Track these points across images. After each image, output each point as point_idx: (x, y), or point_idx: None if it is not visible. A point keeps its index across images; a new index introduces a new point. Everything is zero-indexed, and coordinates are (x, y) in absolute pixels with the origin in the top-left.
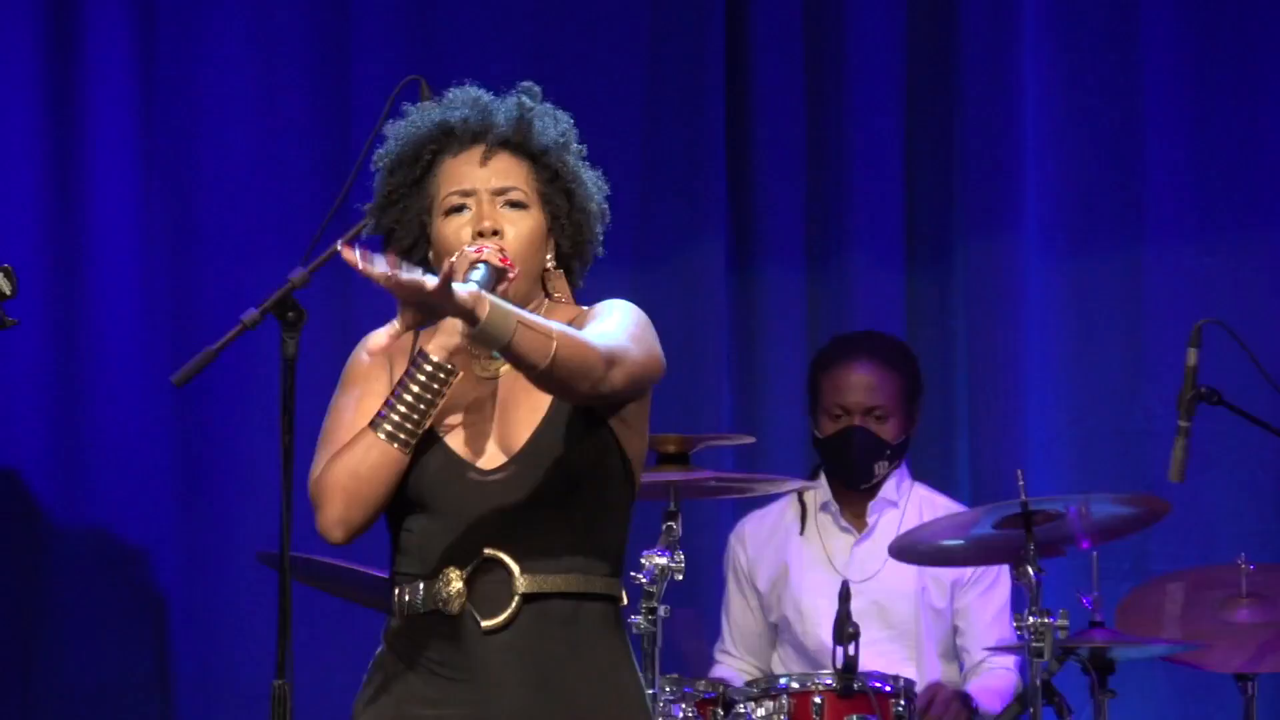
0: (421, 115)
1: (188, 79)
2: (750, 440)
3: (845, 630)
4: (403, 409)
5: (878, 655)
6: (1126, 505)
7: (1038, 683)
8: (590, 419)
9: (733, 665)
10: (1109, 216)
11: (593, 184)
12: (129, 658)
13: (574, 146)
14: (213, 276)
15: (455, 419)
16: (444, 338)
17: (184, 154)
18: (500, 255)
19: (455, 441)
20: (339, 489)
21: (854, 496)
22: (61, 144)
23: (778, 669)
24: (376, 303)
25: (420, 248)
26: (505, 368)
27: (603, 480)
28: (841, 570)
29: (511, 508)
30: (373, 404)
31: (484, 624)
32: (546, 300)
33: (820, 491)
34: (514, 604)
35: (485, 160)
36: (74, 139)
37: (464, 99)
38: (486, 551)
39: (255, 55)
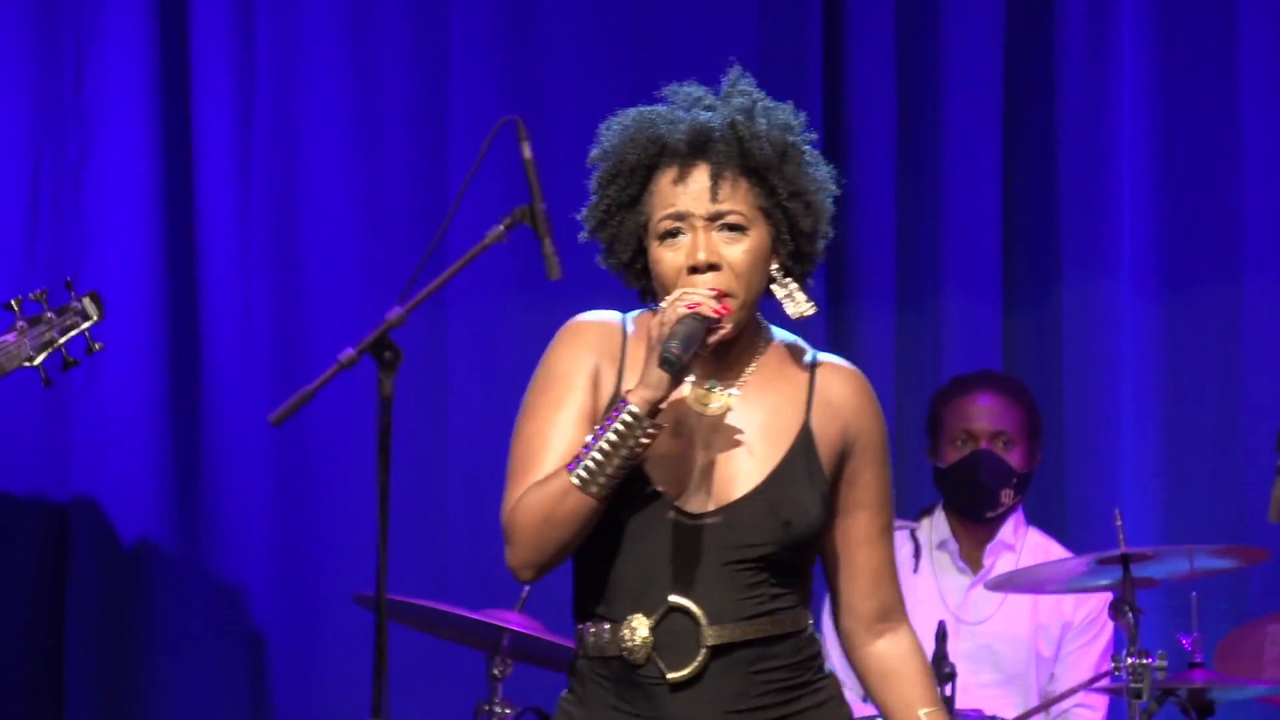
0: (639, 124)
1: (287, 120)
2: None
3: (942, 670)
4: (599, 457)
5: (987, 699)
6: (1224, 557)
7: None
8: (810, 482)
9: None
10: (1207, 255)
11: (817, 187)
12: (226, 696)
13: (795, 150)
14: (311, 315)
15: (667, 453)
16: (648, 390)
17: (283, 194)
18: (715, 303)
19: (662, 479)
20: (532, 532)
21: (974, 536)
22: (171, 185)
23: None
24: (471, 344)
25: (640, 260)
26: (730, 407)
27: (811, 540)
28: (954, 611)
29: (710, 559)
30: (574, 415)
31: (670, 676)
32: (764, 341)
33: (938, 529)
34: (701, 656)
35: (700, 180)
36: (181, 179)
37: (682, 104)
38: (673, 600)
39: (354, 95)
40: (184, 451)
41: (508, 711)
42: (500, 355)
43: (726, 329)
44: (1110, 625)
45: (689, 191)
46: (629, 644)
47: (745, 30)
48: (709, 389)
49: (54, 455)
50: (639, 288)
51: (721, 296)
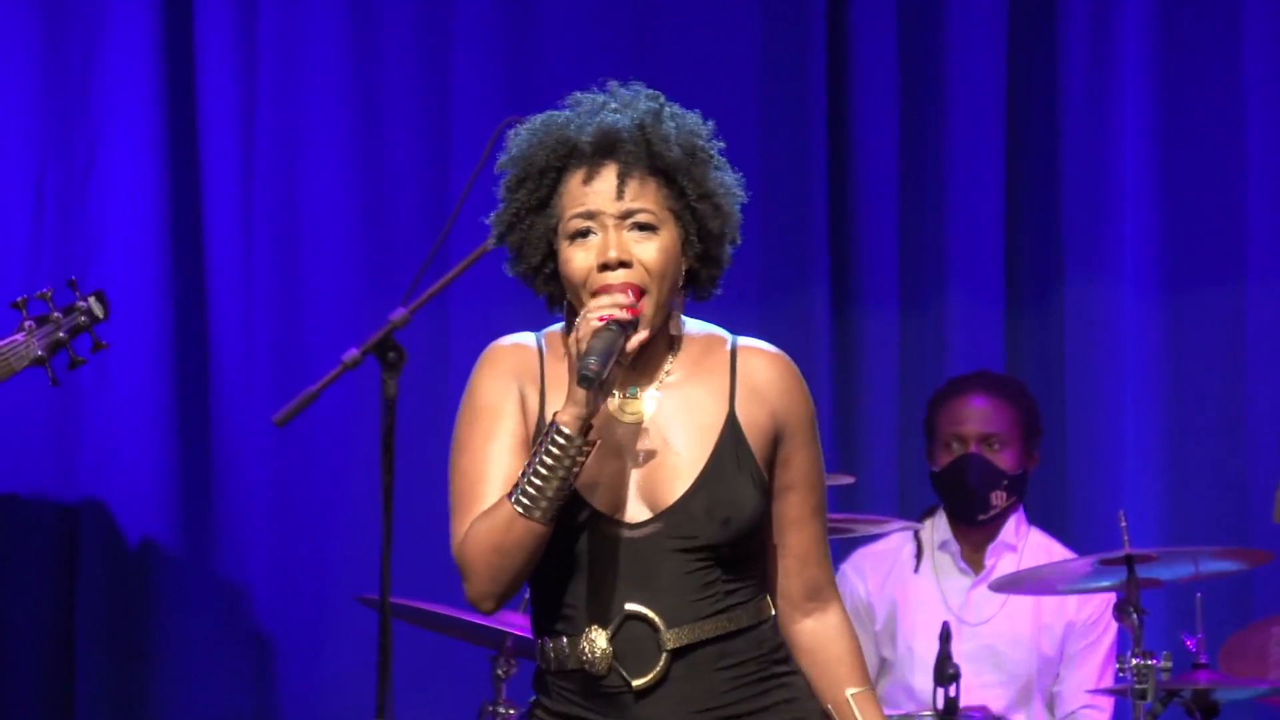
0: (546, 128)
1: (291, 122)
2: (850, 480)
3: (945, 671)
4: (538, 482)
5: (990, 700)
6: (1228, 559)
7: None
8: (744, 472)
9: None
10: (1210, 256)
11: (725, 191)
12: (232, 697)
13: (703, 154)
14: (315, 316)
15: (594, 468)
16: (576, 408)
17: (287, 195)
18: (627, 304)
19: (596, 494)
20: (484, 564)
21: (974, 537)
22: (177, 187)
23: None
24: (474, 345)
25: (549, 264)
26: (650, 411)
27: (753, 531)
28: (956, 612)
29: (658, 563)
30: (506, 442)
31: (635, 683)
32: (679, 340)
33: (939, 531)
34: (662, 661)
35: (609, 180)
36: (187, 181)
37: (588, 109)
38: (629, 608)
39: (357, 97)
40: (190, 453)
41: (512, 712)
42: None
43: (643, 333)
44: (1115, 624)
45: (598, 191)
46: (589, 656)
47: (747, 31)
48: (630, 395)
49: (62, 457)
50: (546, 294)
51: (635, 294)
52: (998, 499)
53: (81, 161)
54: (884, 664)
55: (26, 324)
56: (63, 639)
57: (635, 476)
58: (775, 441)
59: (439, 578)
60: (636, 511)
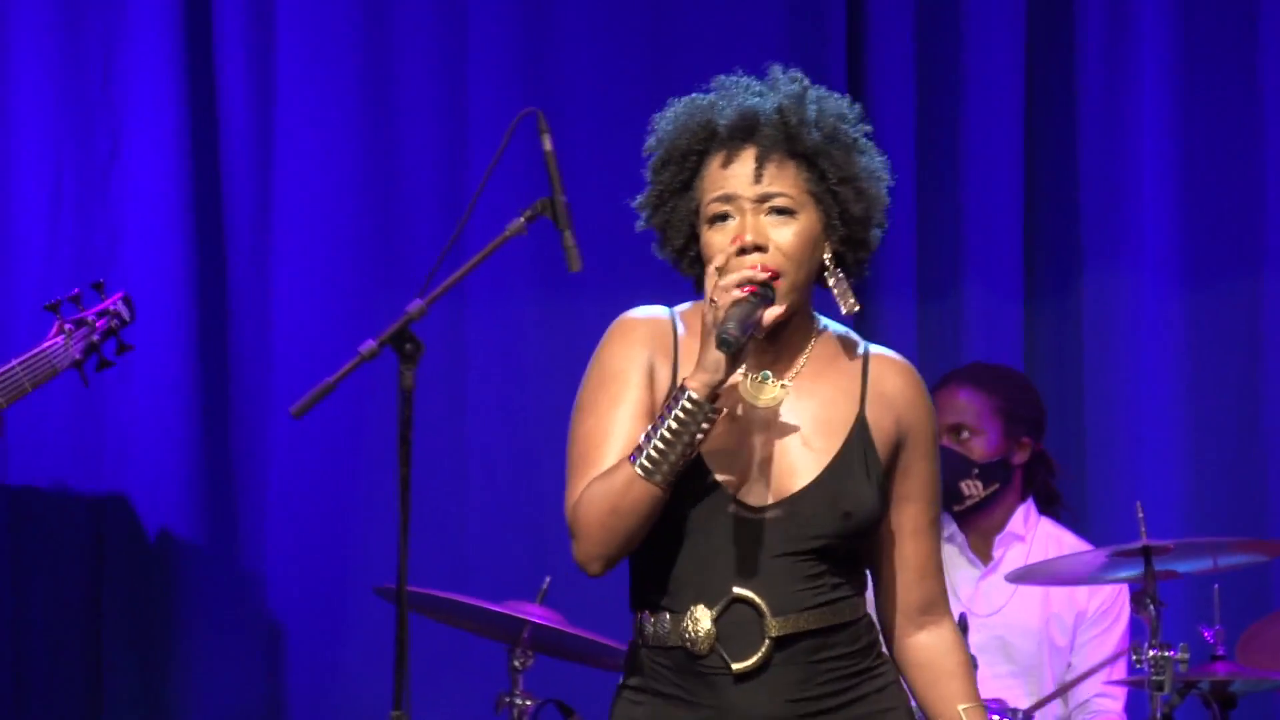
0: (688, 111)
1: (305, 112)
2: None
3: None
4: (661, 445)
5: (999, 690)
6: (1246, 551)
7: (1159, 716)
8: (866, 473)
9: None
10: (1228, 248)
11: (869, 174)
12: (252, 687)
13: (845, 136)
14: (333, 308)
15: (725, 446)
16: (706, 374)
17: (306, 188)
18: (761, 284)
19: (722, 471)
20: (597, 525)
21: (975, 528)
22: (198, 180)
23: None
24: (491, 336)
25: (692, 247)
26: (786, 399)
27: (869, 530)
28: (966, 603)
29: (772, 550)
30: (631, 410)
31: (735, 666)
32: (817, 330)
33: (946, 524)
34: (765, 647)
35: (749, 164)
36: (208, 174)
37: (730, 93)
38: (736, 591)
39: (372, 89)
40: (211, 445)
41: (529, 703)
42: (520, 348)
43: (779, 308)
44: (1126, 612)
45: (736, 174)
46: (691, 635)
47: (766, 25)
48: (762, 380)
49: (85, 450)
50: (693, 276)
51: (773, 278)
52: (970, 488)
53: (103, 156)
54: None
55: (66, 326)
56: (88, 631)
57: (761, 461)
58: (897, 448)
59: (456, 569)
60: (759, 495)
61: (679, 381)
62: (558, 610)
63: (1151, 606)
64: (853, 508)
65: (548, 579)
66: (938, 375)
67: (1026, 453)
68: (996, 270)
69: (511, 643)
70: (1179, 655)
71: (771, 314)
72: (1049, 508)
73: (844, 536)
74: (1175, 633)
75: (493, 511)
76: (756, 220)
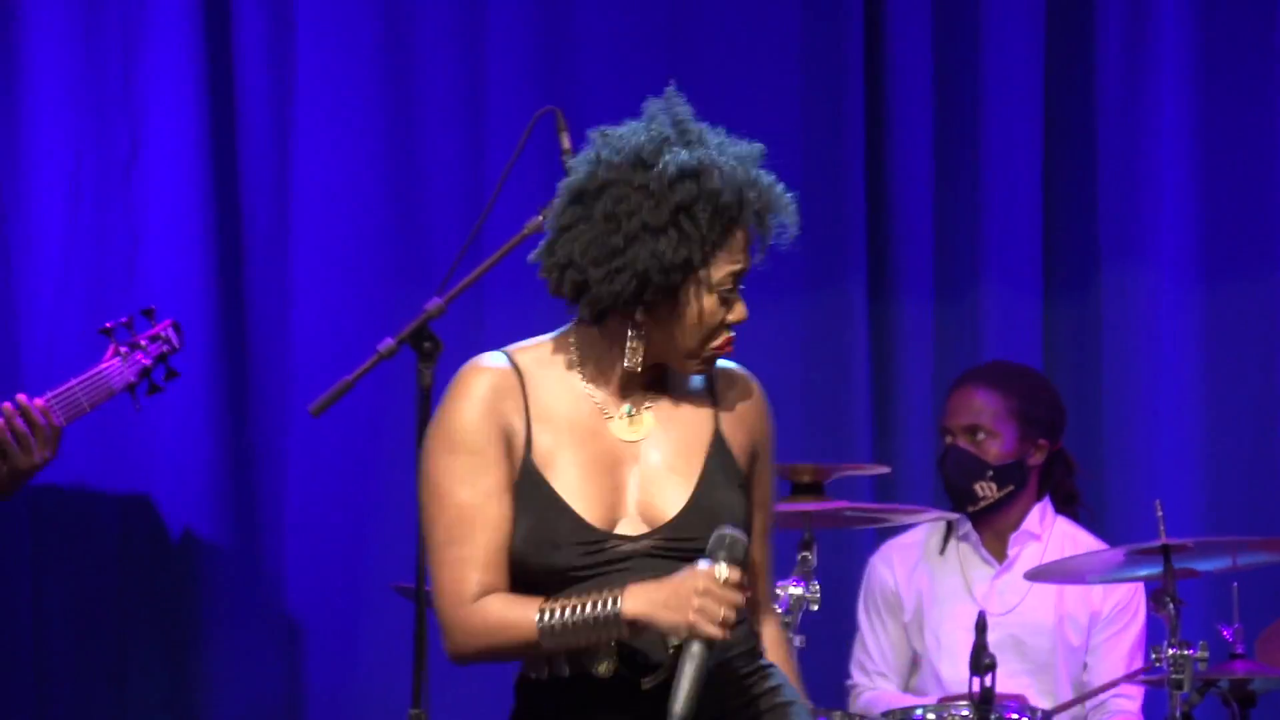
0: (733, 175)
1: (324, 110)
2: (885, 470)
3: (981, 661)
4: (571, 626)
5: (1015, 688)
6: (1265, 550)
7: (1178, 715)
8: (733, 485)
9: (884, 685)
10: (1248, 245)
11: None
12: (273, 685)
13: None
14: (348, 305)
15: (591, 483)
16: (645, 608)
17: (325, 187)
18: (735, 613)
19: (590, 509)
20: (474, 648)
21: (992, 527)
22: (218, 179)
23: (915, 698)
24: (508, 335)
25: (648, 296)
26: (649, 430)
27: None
28: (980, 602)
29: (658, 572)
30: (493, 485)
31: (644, 682)
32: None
33: (961, 522)
34: (668, 658)
35: (750, 244)
36: (227, 173)
37: (742, 163)
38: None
39: (391, 87)
40: (231, 444)
41: None
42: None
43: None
44: (1142, 612)
45: (746, 254)
46: (589, 660)
47: (785, 25)
48: (626, 414)
49: (107, 449)
50: (601, 294)
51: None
52: (985, 490)
53: (123, 156)
54: (915, 655)
55: (121, 349)
56: (111, 629)
57: (632, 493)
58: (752, 459)
59: None
60: (634, 526)
61: (537, 445)
62: None
63: (1170, 605)
64: (726, 518)
65: None
66: (955, 374)
67: (1043, 455)
68: (1015, 268)
69: None
70: (1198, 654)
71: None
72: (1067, 507)
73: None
74: (1194, 631)
75: None
76: (739, 301)
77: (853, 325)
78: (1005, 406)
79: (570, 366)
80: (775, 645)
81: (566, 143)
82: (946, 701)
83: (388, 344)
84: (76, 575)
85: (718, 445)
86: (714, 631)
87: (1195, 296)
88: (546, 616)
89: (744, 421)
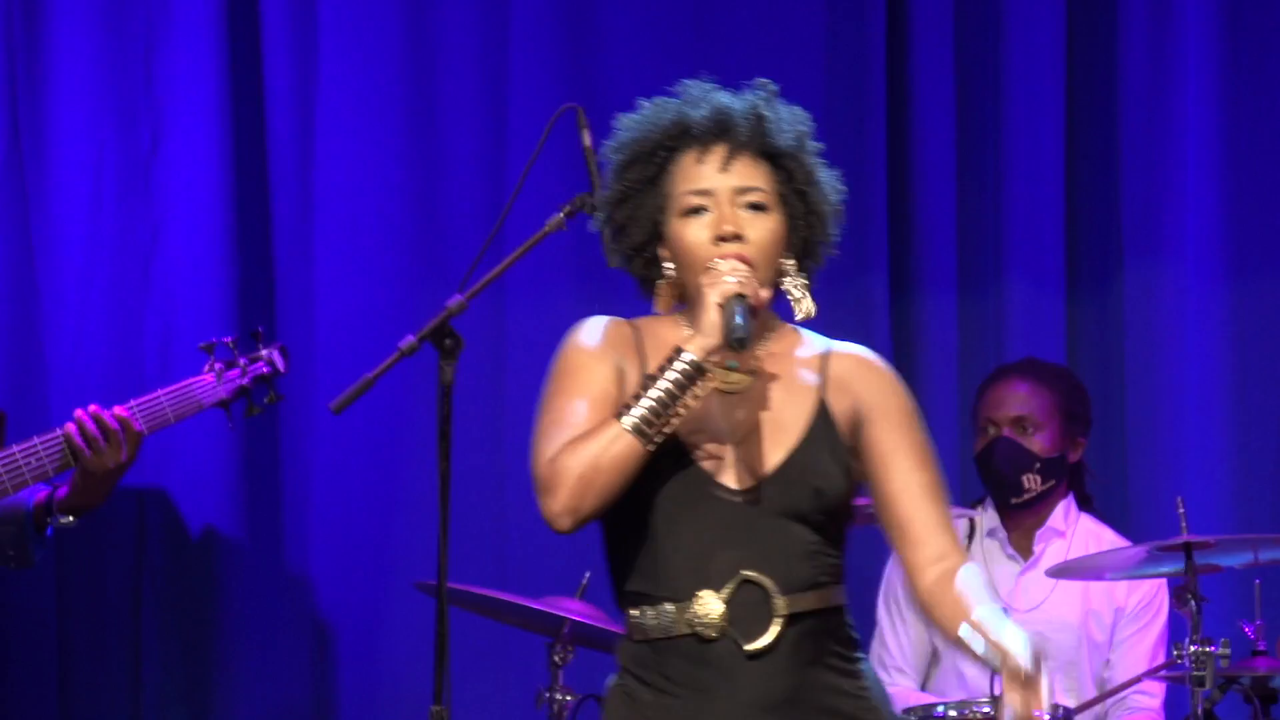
0: (657, 111)
1: (347, 107)
2: None
3: None
4: (653, 404)
5: None
6: None
7: (1199, 712)
8: (838, 445)
9: (904, 682)
10: (1273, 240)
11: (829, 185)
12: (292, 682)
13: (810, 146)
14: (371, 301)
15: (696, 433)
16: (704, 339)
17: (348, 184)
18: (750, 276)
19: (699, 456)
20: (574, 476)
21: (1020, 523)
22: (241, 174)
23: (936, 696)
24: (529, 331)
25: (651, 245)
26: (750, 382)
27: (841, 508)
28: (1006, 598)
29: (764, 530)
30: (599, 395)
31: (747, 647)
32: (774, 326)
33: (987, 518)
34: (775, 626)
35: (725, 161)
36: (252, 168)
37: (700, 95)
38: (744, 573)
39: (413, 84)
40: (252, 440)
41: (569, 699)
42: (558, 343)
43: (765, 293)
44: (1165, 609)
45: (712, 169)
46: (702, 620)
47: (808, 20)
48: (730, 367)
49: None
50: (645, 276)
51: (746, 265)
52: (1031, 482)
53: (144, 151)
54: (935, 652)
55: (216, 366)
56: (130, 626)
57: (734, 446)
58: (857, 426)
59: (496, 564)
60: (737, 478)
61: (670, 357)
62: (598, 606)
63: (1192, 602)
64: (823, 485)
65: (588, 574)
66: (979, 370)
67: (1079, 452)
68: (1039, 265)
69: (552, 638)
70: (1220, 650)
71: (764, 296)
72: (1082, 508)
73: (821, 512)
74: (1216, 628)
75: (532, 507)
76: (733, 211)
77: (875, 320)
78: (1051, 401)
79: (677, 327)
80: (957, 581)
81: (587, 140)
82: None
83: (409, 341)
84: (97, 573)
85: (821, 412)
86: (734, 287)
87: (1219, 292)
88: (626, 410)
89: (849, 391)
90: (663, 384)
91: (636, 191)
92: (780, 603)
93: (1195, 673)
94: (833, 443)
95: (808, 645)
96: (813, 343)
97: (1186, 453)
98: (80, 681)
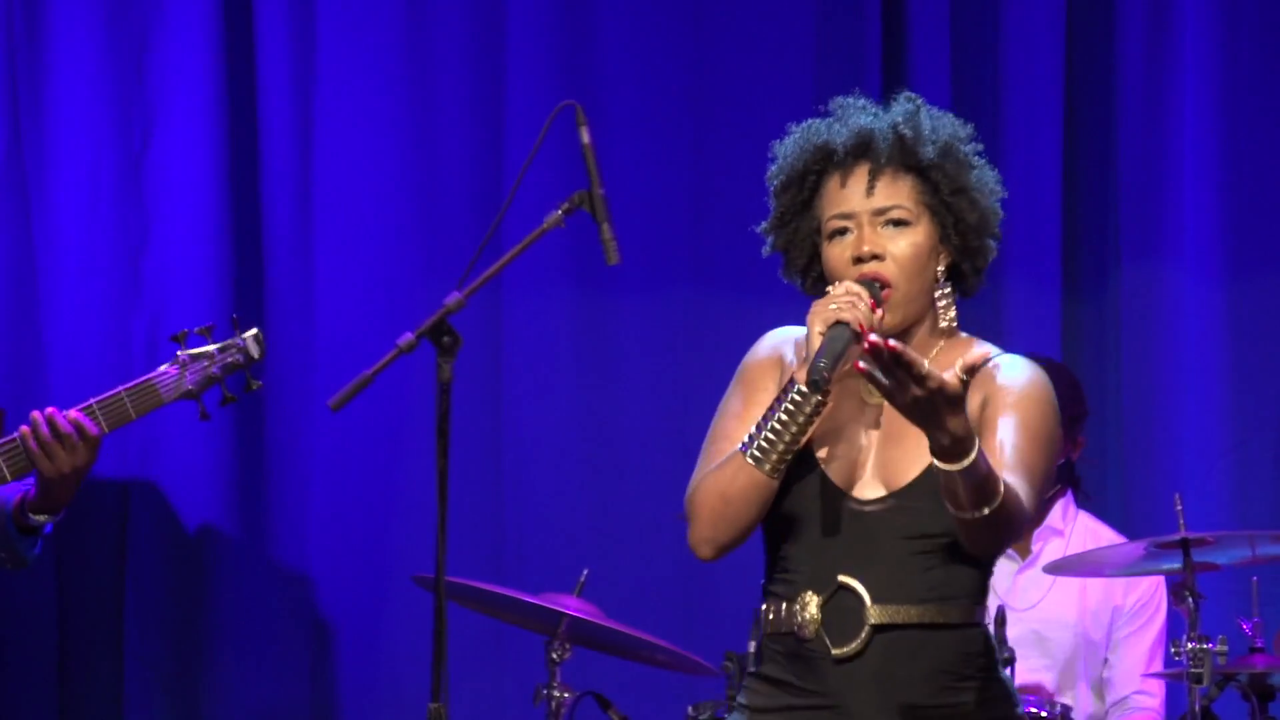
0: (806, 135)
1: (344, 104)
2: None
3: (1000, 655)
4: (770, 435)
5: (1035, 684)
6: None
7: (1197, 709)
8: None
9: None
10: (1269, 239)
11: (982, 187)
12: (286, 678)
13: (958, 151)
14: (370, 301)
15: (834, 443)
16: (806, 358)
17: (344, 181)
18: (864, 306)
19: (832, 467)
20: (707, 509)
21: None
22: (234, 172)
23: None
24: (527, 329)
25: (815, 267)
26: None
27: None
28: (1003, 597)
29: (882, 541)
30: (757, 414)
31: (835, 651)
32: (940, 339)
33: None
34: (864, 634)
35: (866, 180)
36: (245, 166)
37: (846, 114)
38: (841, 579)
39: (409, 81)
40: (245, 436)
41: (566, 695)
42: (557, 340)
43: (881, 317)
44: (1164, 609)
45: (852, 191)
46: (800, 619)
47: (802, 20)
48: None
49: (115, 439)
50: (815, 295)
51: (882, 286)
52: None
53: (137, 146)
54: None
55: (182, 357)
56: (115, 621)
57: (872, 455)
58: (982, 407)
59: (493, 562)
60: (869, 488)
61: (783, 390)
62: (595, 603)
63: (1190, 599)
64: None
65: (585, 571)
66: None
67: (1079, 450)
68: (1036, 264)
69: (549, 635)
70: (1217, 648)
71: (870, 339)
72: (1080, 505)
73: (946, 532)
74: (1214, 625)
75: (530, 504)
76: (873, 233)
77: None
78: None
79: None
80: None
81: (586, 137)
82: None
83: (407, 338)
84: (90, 569)
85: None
86: (848, 315)
87: (1215, 292)
88: (748, 442)
89: (981, 390)
90: (778, 414)
91: (792, 217)
92: (872, 611)
93: (1193, 670)
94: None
95: (903, 659)
96: (979, 356)
97: (1183, 450)
98: (78, 679)
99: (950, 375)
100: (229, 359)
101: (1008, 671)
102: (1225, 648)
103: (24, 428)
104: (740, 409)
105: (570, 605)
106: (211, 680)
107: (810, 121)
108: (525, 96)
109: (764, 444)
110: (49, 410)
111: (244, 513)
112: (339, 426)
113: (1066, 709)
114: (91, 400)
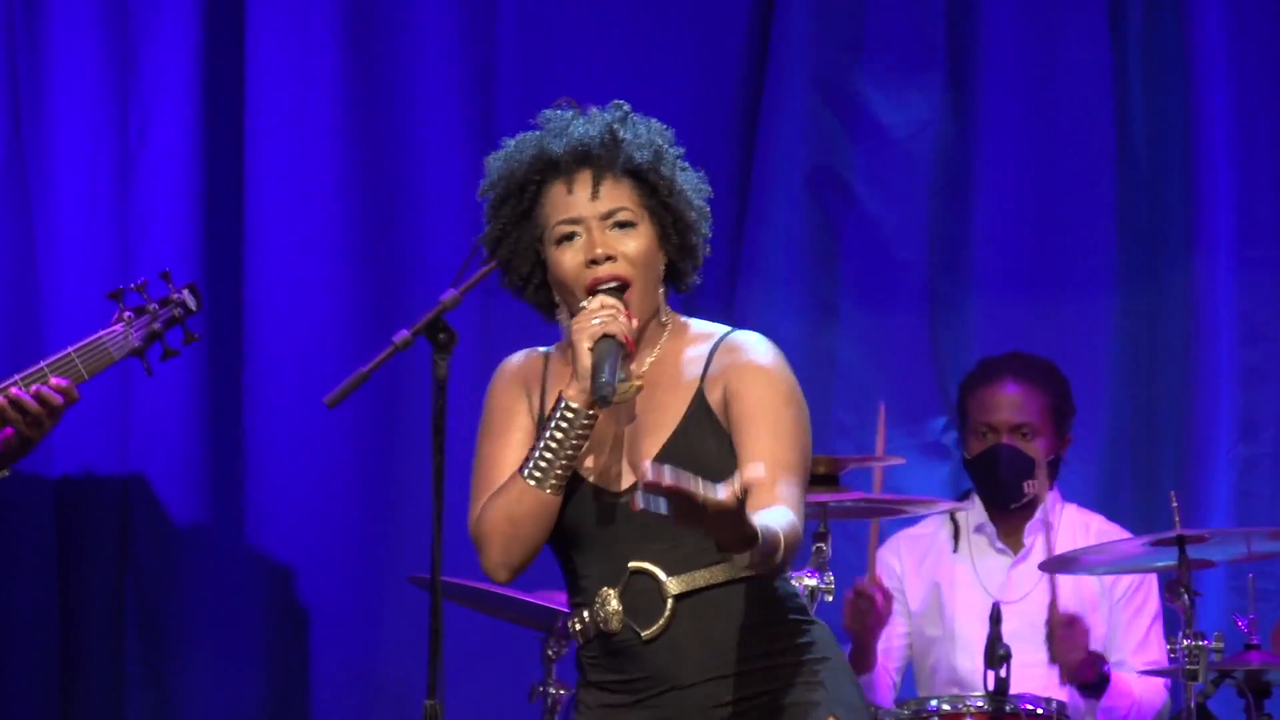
0: (520, 147)
1: (332, 99)
2: (901, 461)
3: (996, 653)
4: (549, 455)
5: (1031, 678)
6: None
7: (1192, 705)
8: (714, 429)
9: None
10: (1268, 238)
11: (692, 188)
12: (281, 676)
13: (669, 154)
14: (359, 298)
15: (591, 449)
16: (581, 385)
17: (328, 179)
18: (622, 318)
19: (588, 470)
20: (497, 534)
21: (1010, 518)
22: (222, 168)
23: (928, 691)
24: (517, 324)
25: (537, 274)
26: (636, 389)
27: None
28: (995, 592)
29: (650, 521)
30: (518, 437)
31: (644, 634)
32: (666, 329)
33: (974, 513)
34: (668, 608)
35: (588, 186)
36: (231, 162)
37: (557, 126)
38: (632, 565)
39: (399, 77)
40: (236, 432)
41: (562, 693)
42: (550, 336)
43: (634, 322)
44: (1155, 590)
45: (579, 197)
46: (603, 617)
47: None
48: (620, 379)
49: (111, 435)
50: (535, 303)
51: (623, 287)
52: (1030, 487)
53: (132, 142)
54: (929, 643)
55: (126, 315)
56: (110, 616)
57: (622, 449)
58: (726, 401)
59: None
60: (626, 479)
61: (553, 408)
62: None
63: (1185, 596)
64: (695, 468)
65: None
66: (955, 373)
67: (1067, 447)
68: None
69: (545, 632)
70: (1213, 644)
71: (629, 338)
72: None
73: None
74: (1210, 622)
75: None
76: (603, 235)
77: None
78: (1045, 404)
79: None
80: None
81: None
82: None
83: (403, 335)
84: (82, 564)
85: (697, 401)
86: (614, 328)
87: (1220, 288)
88: (525, 464)
89: (723, 374)
90: (552, 433)
91: (513, 227)
92: (670, 584)
93: (1189, 667)
94: (710, 423)
95: (712, 621)
96: (706, 337)
97: (1181, 448)
98: (79, 676)
99: (726, 491)
100: (170, 313)
101: (1004, 669)
102: (1221, 644)
103: None
104: (503, 432)
105: (566, 602)
106: (205, 676)
107: (522, 135)
108: (516, 90)
109: (542, 464)
110: (12, 392)
111: (237, 509)
112: (334, 425)
113: (1062, 705)
114: (42, 363)
